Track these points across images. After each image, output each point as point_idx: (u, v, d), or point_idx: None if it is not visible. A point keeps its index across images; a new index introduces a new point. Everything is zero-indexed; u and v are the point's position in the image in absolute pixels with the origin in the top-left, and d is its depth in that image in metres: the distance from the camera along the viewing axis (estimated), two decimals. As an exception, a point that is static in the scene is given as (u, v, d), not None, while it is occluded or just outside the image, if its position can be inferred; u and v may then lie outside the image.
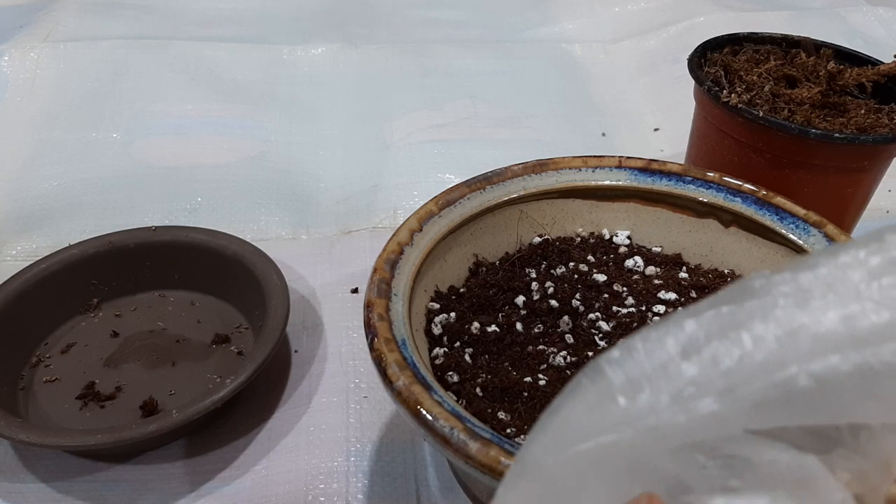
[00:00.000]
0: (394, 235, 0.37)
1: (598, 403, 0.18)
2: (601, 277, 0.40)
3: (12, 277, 0.44)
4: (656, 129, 0.67)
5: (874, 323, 0.17)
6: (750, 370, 0.17)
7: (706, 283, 0.41)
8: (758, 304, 0.18)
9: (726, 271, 0.42)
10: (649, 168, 0.43)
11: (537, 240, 0.43)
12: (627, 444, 0.18)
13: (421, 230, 0.38)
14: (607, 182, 0.43)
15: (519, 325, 0.38)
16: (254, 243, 0.47)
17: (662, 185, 0.43)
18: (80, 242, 0.46)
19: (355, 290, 0.49)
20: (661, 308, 0.39)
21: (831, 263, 0.18)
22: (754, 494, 0.18)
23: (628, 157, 0.43)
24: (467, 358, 0.36)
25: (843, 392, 0.17)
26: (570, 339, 0.38)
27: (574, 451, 0.18)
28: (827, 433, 0.18)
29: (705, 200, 0.42)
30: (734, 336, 0.18)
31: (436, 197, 0.40)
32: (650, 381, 0.18)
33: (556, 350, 0.37)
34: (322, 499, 0.37)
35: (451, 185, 0.41)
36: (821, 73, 0.47)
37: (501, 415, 0.33)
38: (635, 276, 0.41)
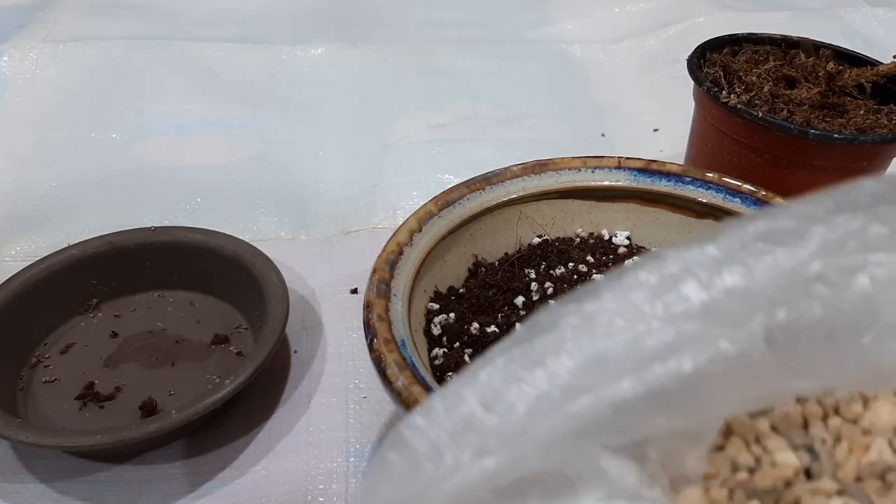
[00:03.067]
0: (393, 236, 0.37)
1: (406, 476, 0.18)
2: (600, 278, 0.40)
3: (12, 277, 0.44)
4: (656, 130, 0.67)
5: (660, 341, 0.17)
6: (546, 407, 0.17)
7: (705, 284, 0.41)
8: (547, 339, 0.18)
9: (725, 272, 0.42)
10: (648, 168, 0.43)
11: (537, 240, 0.43)
12: None
13: (420, 231, 0.38)
14: (607, 182, 0.43)
15: (518, 326, 0.38)
16: (253, 244, 0.47)
17: (662, 186, 0.43)
18: (79, 243, 0.46)
19: (355, 291, 0.49)
20: (660, 308, 0.39)
21: (614, 288, 0.18)
22: None
23: (628, 158, 0.43)
24: (467, 358, 0.36)
25: (635, 413, 0.17)
26: (569, 339, 0.38)
27: None
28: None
29: (705, 201, 0.42)
30: (528, 377, 0.18)
31: (435, 197, 0.40)
32: (453, 439, 0.18)
33: (555, 350, 0.37)
34: (321, 499, 0.37)
35: (450, 186, 0.41)
36: (820, 74, 0.47)
37: (501, 415, 0.33)
38: (635, 277, 0.41)
